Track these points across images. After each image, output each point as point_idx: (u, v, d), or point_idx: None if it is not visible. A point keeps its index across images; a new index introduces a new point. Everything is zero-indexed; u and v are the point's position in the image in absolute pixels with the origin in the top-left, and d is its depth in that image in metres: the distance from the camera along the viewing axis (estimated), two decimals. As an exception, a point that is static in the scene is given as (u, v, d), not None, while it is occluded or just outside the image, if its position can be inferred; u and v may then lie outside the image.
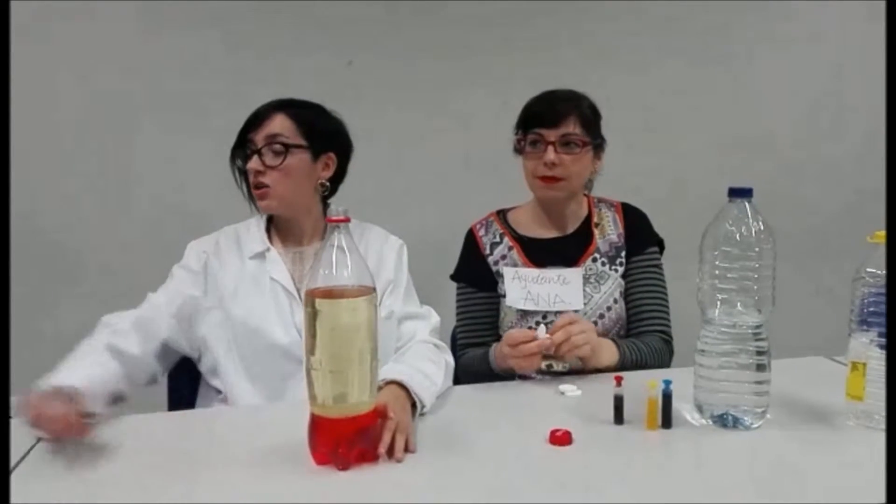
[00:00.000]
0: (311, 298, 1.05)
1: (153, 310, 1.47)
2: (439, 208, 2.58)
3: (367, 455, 1.09)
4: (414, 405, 1.25)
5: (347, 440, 1.07)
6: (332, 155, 1.55)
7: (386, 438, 1.10)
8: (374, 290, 1.09)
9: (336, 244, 1.07)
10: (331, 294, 1.05)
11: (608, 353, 1.53)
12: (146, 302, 1.49)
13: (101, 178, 2.50)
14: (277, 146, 1.46)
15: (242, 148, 1.51)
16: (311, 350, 1.06)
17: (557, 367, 1.55)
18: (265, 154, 1.46)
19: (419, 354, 1.43)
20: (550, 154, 1.59)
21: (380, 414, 1.12)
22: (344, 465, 1.07)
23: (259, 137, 1.47)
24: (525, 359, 1.44)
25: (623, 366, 1.54)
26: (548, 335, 1.42)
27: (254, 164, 1.46)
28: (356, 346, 1.06)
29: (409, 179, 2.60)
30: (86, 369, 1.29)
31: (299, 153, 1.48)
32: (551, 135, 1.60)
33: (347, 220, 1.08)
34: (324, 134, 1.53)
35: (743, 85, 2.79)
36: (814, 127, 2.85)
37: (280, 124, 1.47)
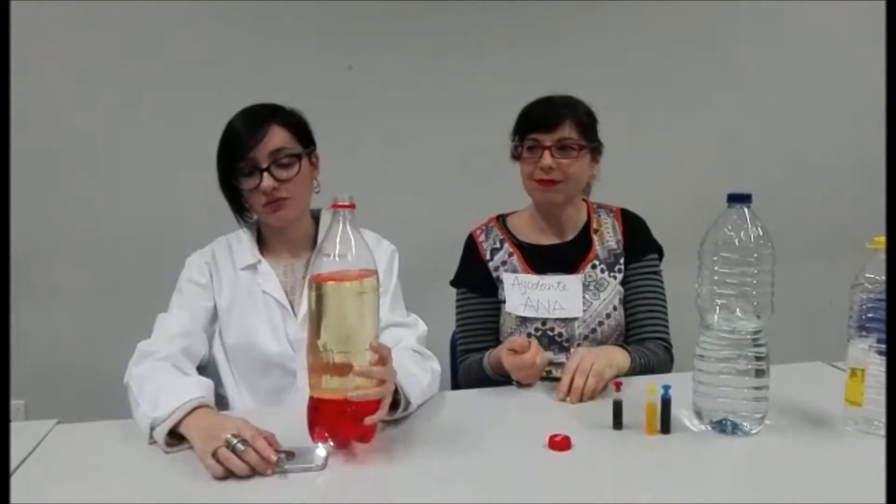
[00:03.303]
0: (316, 282, 1.08)
1: (189, 331, 1.44)
2: (436, 212, 2.58)
3: (366, 436, 1.12)
4: (397, 403, 1.23)
5: (348, 422, 1.09)
6: (315, 152, 1.55)
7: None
8: (377, 273, 1.12)
9: (340, 229, 1.10)
10: (335, 278, 1.08)
11: (620, 360, 1.51)
12: (167, 323, 1.44)
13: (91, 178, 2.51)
14: (286, 159, 1.45)
15: (233, 166, 1.45)
16: (315, 333, 1.09)
17: (557, 372, 1.56)
18: (273, 170, 1.43)
19: (403, 357, 1.38)
20: (547, 158, 1.59)
21: (379, 355, 1.13)
22: (342, 444, 1.10)
23: (262, 155, 1.43)
24: (524, 370, 1.45)
25: (633, 371, 1.54)
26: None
27: (268, 182, 1.42)
28: (359, 327, 1.09)
29: (406, 182, 2.61)
30: (201, 385, 1.27)
31: (303, 160, 1.48)
32: (547, 139, 1.60)
33: (352, 206, 1.11)
34: (307, 133, 1.53)
35: (742, 88, 2.79)
36: (813, 131, 2.84)
37: (280, 137, 1.44)
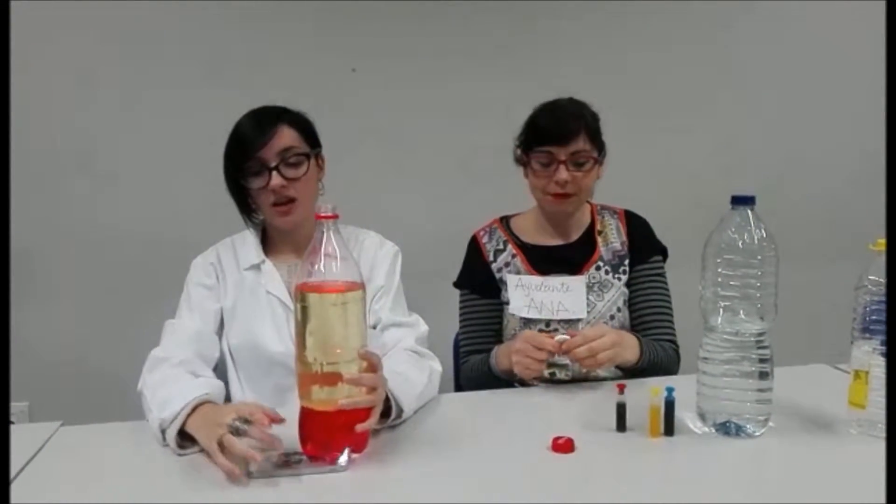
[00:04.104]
0: (301, 293, 1.08)
1: (200, 334, 1.45)
2: (437, 212, 2.58)
3: (359, 445, 1.12)
4: (389, 410, 1.23)
5: (340, 431, 1.09)
6: (322, 153, 1.55)
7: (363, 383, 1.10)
8: (363, 285, 1.11)
9: (324, 240, 1.10)
10: (319, 288, 1.08)
11: (630, 349, 1.53)
12: (178, 328, 1.46)
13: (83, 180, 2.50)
14: (294, 158, 1.45)
15: (242, 166, 1.45)
16: (302, 345, 1.09)
17: (560, 374, 1.56)
18: (282, 168, 1.43)
19: (399, 360, 1.39)
20: (563, 173, 1.58)
21: (369, 363, 1.12)
22: (333, 458, 1.10)
23: (271, 154, 1.43)
24: (531, 360, 1.43)
25: (642, 365, 1.54)
26: (565, 336, 1.43)
27: (277, 181, 1.42)
28: (342, 338, 1.09)
29: (406, 182, 2.61)
30: (207, 384, 1.28)
31: (311, 160, 1.49)
32: (562, 153, 1.58)
33: (336, 217, 1.10)
34: (314, 134, 1.53)
35: (742, 88, 2.79)
36: (813, 131, 2.84)
37: (289, 136, 1.45)
